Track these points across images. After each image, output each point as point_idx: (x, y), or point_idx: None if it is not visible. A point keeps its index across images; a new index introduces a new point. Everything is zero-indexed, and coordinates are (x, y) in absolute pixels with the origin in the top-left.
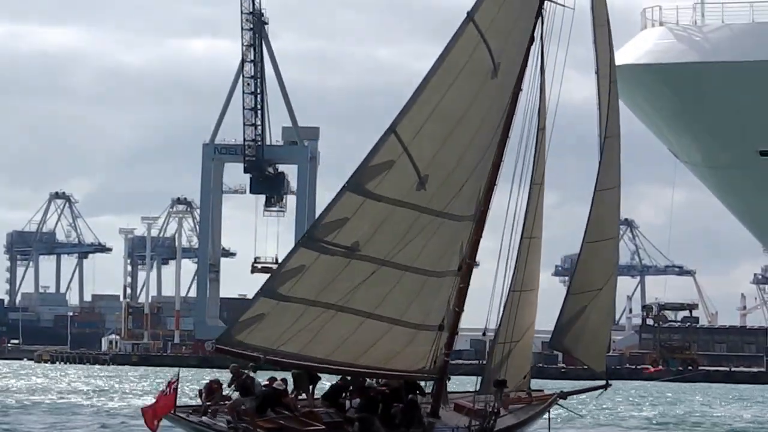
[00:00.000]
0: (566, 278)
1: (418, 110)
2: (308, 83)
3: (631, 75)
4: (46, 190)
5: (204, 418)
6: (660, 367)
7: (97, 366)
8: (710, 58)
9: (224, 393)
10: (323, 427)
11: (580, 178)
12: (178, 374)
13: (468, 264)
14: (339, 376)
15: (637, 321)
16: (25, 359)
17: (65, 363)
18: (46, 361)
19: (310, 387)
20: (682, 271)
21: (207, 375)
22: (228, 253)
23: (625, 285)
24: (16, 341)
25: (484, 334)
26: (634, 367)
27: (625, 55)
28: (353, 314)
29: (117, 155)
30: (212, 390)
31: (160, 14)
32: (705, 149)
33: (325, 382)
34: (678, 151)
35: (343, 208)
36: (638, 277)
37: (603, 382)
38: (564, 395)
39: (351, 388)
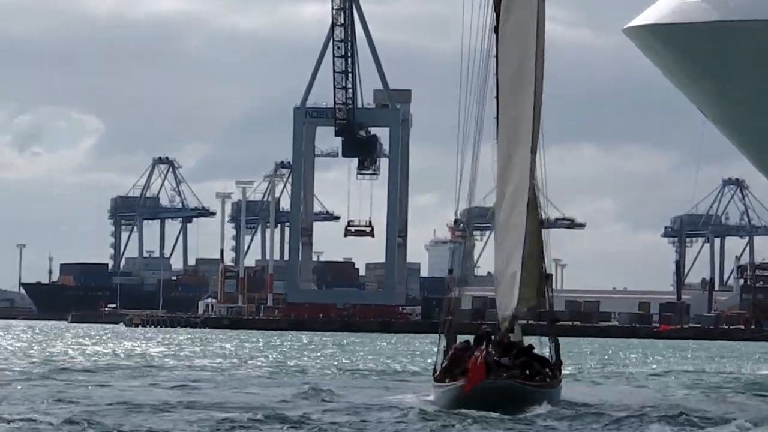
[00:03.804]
0: (675, 239)
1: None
2: (416, 46)
3: (658, 35)
4: (152, 155)
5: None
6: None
7: (189, 329)
8: (734, 17)
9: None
10: None
11: (696, 139)
12: (487, 345)
13: None
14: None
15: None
16: (121, 324)
17: (156, 326)
18: (136, 325)
19: None
20: None
21: (302, 337)
22: (332, 217)
23: (734, 245)
24: (113, 305)
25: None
26: (727, 327)
27: (652, 14)
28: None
29: (227, 120)
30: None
31: None
32: (730, 108)
33: None
34: (705, 110)
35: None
36: (747, 238)
37: None
38: None
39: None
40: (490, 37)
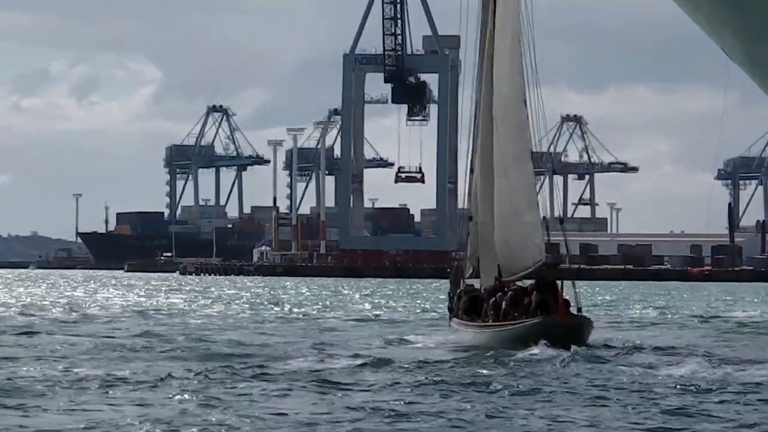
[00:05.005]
0: (729, 182)
1: None
2: None
3: None
4: (208, 104)
5: None
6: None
7: (242, 277)
8: None
9: None
10: None
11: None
12: (562, 283)
13: None
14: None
15: None
16: (177, 272)
17: (210, 275)
18: (191, 273)
19: None
20: None
21: (346, 285)
22: (386, 163)
23: None
24: (169, 254)
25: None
26: None
27: None
28: None
29: (281, 68)
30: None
31: None
32: (752, 48)
33: None
34: (728, 51)
35: None
36: None
37: None
38: None
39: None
40: None
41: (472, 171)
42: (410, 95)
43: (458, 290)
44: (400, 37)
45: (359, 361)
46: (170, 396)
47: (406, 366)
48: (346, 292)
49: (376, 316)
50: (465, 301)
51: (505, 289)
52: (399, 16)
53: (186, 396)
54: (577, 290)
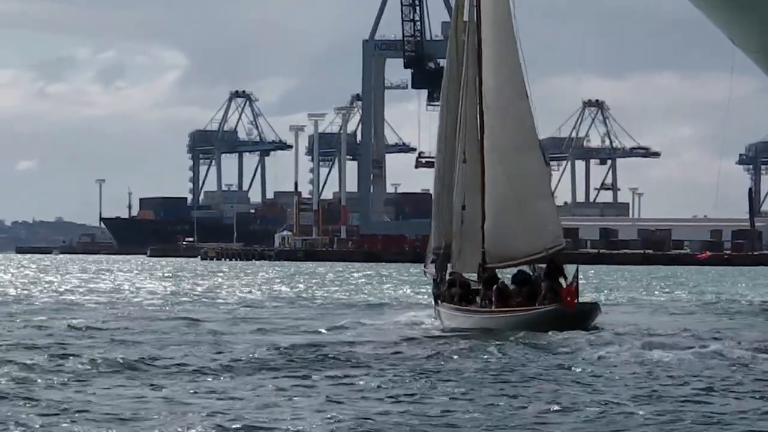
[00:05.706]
0: (750, 167)
1: None
2: None
3: None
4: (230, 90)
5: None
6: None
7: (263, 261)
8: None
9: None
10: None
11: None
12: (577, 271)
13: None
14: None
15: None
16: (199, 257)
17: (230, 259)
18: (211, 258)
19: None
20: None
21: (370, 270)
22: (408, 148)
23: None
24: (191, 239)
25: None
26: None
27: None
28: None
29: (304, 55)
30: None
31: None
32: (757, 34)
33: None
34: (734, 37)
35: None
36: None
37: None
38: None
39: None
40: None
41: (464, 162)
42: (430, 80)
43: (445, 277)
44: (418, 23)
45: (355, 347)
46: (165, 386)
47: (395, 349)
48: (356, 275)
49: (372, 299)
50: (459, 287)
51: (530, 275)
52: (417, 2)
53: (166, 382)
54: (577, 276)
